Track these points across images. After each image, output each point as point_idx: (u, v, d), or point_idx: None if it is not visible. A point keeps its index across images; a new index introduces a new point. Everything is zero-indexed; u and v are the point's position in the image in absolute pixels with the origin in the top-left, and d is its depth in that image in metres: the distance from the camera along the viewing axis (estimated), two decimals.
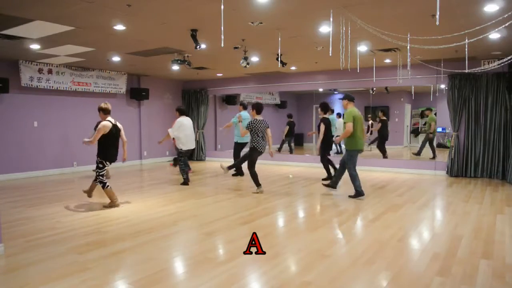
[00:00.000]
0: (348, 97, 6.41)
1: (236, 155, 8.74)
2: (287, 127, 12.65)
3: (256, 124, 6.74)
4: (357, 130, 6.16)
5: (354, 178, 6.27)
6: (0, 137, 8.51)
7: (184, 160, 7.75)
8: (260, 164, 11.17)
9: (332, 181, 6.63)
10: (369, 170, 9.75)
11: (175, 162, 9.97)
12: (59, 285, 3.13)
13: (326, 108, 7.92)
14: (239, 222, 5.00)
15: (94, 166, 9.39)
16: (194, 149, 7.80)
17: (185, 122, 7.66)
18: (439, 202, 6.33)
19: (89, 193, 6.28)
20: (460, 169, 8.75)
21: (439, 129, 11.49)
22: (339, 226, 4.87)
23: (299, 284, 3.11)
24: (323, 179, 8.16)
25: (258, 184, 6.90)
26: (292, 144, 12.99)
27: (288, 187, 7.54)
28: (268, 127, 6.89)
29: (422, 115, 12.77)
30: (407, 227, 4.76)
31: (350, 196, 6.38)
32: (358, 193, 6.30)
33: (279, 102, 14.77)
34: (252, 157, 6.85)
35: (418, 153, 10.96)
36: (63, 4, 4.65)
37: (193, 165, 11.34)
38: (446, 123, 9.80)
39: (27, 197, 6.68)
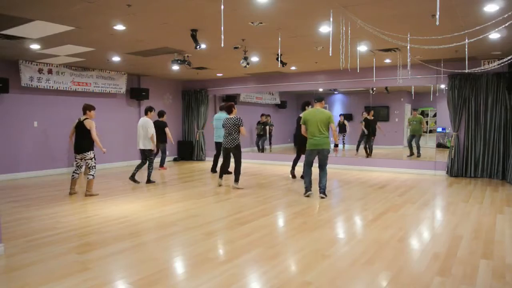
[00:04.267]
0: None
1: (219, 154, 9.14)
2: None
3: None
4: (309, 131, 6.34)
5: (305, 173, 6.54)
6: (0, 137, 8.51)
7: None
8: (260, 164, 11.21)
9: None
10: (369, 170, 9.75)
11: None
12: (59, 285, 3.13)
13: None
14: (239, 222, 5.00)
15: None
16: (145, 149, 7.90)
17: (139, 122, 8.04)
18: (439, 202, 6.33)
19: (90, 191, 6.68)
20: (460, 169, 8.75)
21: (439, 129, 11.50)
22: (339, 226, 4.87)
23: (299, 284, 3.11)
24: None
25: (221, 176, 7.66)
26: (266, 146, 13.04)
27: (288, 187, 7.54)
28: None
29: (422, 115, 12.81)
30: (407, 227, 4.76)
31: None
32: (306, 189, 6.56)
33: (279, 102, 14.78)
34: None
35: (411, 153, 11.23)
36: (63, 4, 4.65)
37: (193, 165, 11.35)
38: (446, 123, 9.80)
39: (27, 197, 6.68)
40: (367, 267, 3.47)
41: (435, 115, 11.66)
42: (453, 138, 8.86)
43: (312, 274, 3.32)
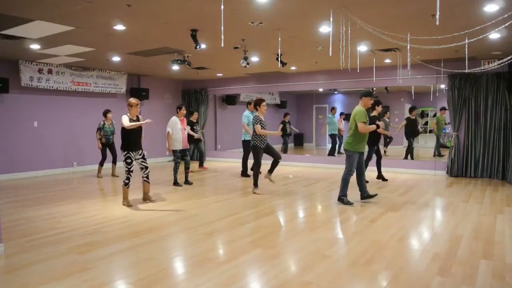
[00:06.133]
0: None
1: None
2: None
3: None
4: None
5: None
6: (0, 137, 8.51)
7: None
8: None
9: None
10: (369, 170, 9.72)
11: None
12: (59, 285, 3.13)
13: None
14: (239, 222, 5.00)
15: (95, 166, 9.41)
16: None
17: None
18: (439, 202, 6.33)
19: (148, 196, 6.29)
20: (460, 169, 8.75)
21: None
22: (339, 226, 4.87)
23: (299, 284, 3.11)
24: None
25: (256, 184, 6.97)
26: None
27: (288, 187, 7.54)
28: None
29: (422, 115, 12.81)
30: (407, 227, 4.76)
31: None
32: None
33: (279, 102, 14.78)
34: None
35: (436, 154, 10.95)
36: (63, 4, 4.65)
37: (193, 165, 11.33)
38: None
39: (27, 197, 6.68)
40: (367, 267, 3.47)
41: (435, 115, 11.65)
42: (453, 138, 8.86)
43: (312, 274, 3.32)
